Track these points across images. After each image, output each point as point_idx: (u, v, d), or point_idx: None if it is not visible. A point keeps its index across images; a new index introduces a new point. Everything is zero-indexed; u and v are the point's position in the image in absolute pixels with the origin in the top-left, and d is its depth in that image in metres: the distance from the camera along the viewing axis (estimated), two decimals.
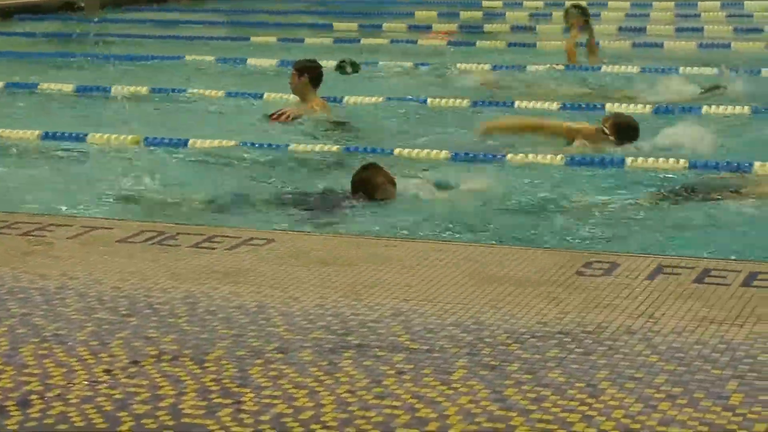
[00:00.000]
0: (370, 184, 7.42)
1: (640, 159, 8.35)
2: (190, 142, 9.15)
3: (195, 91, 11.61)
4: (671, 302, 4.70)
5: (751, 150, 8.62)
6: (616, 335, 4.33)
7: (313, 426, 3.56)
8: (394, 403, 3.73)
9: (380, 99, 11.01)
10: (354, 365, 4.07)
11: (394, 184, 7.47)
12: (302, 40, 16.09)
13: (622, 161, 8.33)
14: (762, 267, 5.19)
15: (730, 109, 10.17)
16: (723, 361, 4.05)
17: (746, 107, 10.17)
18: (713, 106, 10.27)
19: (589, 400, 3.72)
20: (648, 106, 10.37)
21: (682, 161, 8.25)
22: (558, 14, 18.62)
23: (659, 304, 4.69)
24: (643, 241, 6.58)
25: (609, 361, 4.06)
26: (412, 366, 4.05)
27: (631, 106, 10.41)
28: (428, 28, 17.50)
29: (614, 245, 6.47)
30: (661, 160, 8.30)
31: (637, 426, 3.53)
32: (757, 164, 8.10)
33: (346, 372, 4.00)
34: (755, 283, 4.94)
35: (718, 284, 4.94)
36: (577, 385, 3.86)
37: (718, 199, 7.41)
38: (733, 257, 5.72)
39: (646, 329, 4.39)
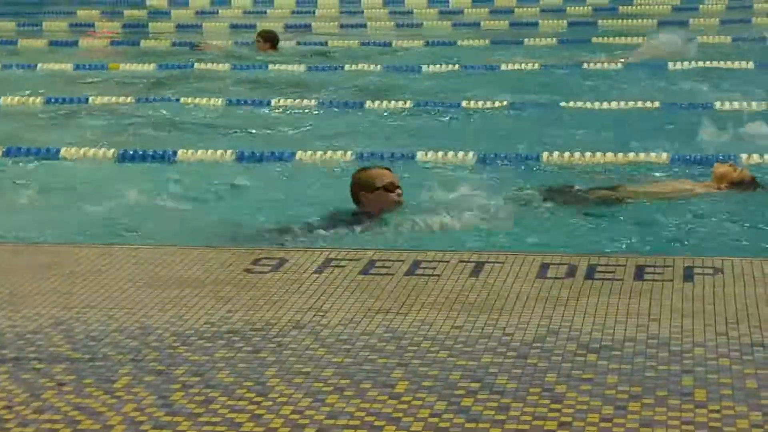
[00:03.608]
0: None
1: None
2: None
3: None
4: (338, 294, 4.73)
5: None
6: (285, 331, 4.30)
7: None
8: (54, 417, 3.55)
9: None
10: (11, 379, 3.85)
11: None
12: None
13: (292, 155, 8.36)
14: (423, 255, 5.29)
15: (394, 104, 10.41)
16: (389, 350, 4.10)
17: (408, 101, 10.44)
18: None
19: (258, 399, 3.68)
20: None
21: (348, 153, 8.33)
22: (224, 11, 18.63)
23: (327, 296, 4.70)
24: None
25: (278, 358, 4.03)
26: (73, 377, 3.87)
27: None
28: (90, 26, 17.02)
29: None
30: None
31: (306, 421, 3.51)
32: (419, 153, 8.29)
33: (3, 387, 3.78)
34: (418, 271, 5.04)
35: (383, 274, 5.01)
36: (246, 384, 3.80)
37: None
38: (400, 247, 5.81)
39: (314, 323, 4.39)
